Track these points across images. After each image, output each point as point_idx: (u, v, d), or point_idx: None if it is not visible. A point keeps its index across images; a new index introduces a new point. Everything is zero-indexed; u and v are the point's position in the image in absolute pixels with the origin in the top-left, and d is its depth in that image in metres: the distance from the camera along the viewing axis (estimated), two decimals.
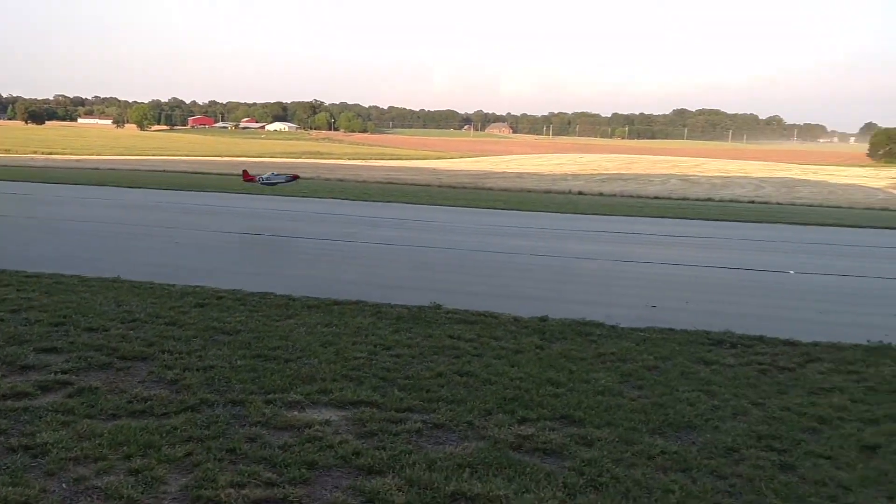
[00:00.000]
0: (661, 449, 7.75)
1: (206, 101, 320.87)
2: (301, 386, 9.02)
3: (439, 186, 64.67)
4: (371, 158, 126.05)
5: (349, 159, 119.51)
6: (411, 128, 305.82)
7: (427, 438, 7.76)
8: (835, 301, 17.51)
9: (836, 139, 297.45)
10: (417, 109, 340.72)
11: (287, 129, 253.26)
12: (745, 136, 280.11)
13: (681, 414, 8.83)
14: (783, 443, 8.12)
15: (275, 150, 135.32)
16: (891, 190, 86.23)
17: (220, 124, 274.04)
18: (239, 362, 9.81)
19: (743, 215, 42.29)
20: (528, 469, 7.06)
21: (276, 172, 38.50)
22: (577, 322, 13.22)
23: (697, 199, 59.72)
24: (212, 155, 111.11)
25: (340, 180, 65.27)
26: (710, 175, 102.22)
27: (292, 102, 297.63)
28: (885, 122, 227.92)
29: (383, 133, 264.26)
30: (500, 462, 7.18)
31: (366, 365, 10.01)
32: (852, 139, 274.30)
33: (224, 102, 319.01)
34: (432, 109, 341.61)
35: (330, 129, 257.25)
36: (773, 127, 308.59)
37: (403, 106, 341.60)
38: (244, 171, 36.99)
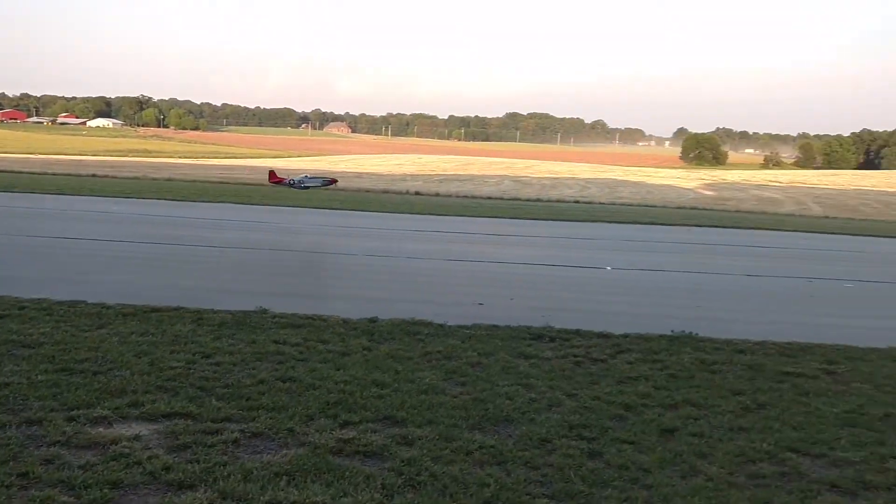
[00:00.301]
0: (480, 444, 7.97)
1: (18, 94, 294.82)
2: (109, 400, 8.46)
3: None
4: (204, 157, 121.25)
5: (180, 157, 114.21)
6: (247, 126, 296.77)
7: (244, 448, 7.52)
8: (646, 295, 18.79)
9: (653, 143, 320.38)
10: (253, 107, 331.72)
11: (112, 126, 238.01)
12: (572, 140, 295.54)
13: (499, 408, 9.12)
14: (592, 431, 8.60)
15: (97, 147, 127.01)
16: (700, 190, 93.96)
17: (35, 119, 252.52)
18: (39, 377, 9.06)
19: (569, 214, 44.51)
20: (346, 473, 7.01)
21: (308, 175, 36.36)
22: (406, 322, 13.33)
23: (528, 200, 62.24)
24: (25, 152, 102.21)
25: (169, 180, 62.12)
26: (540, 176, 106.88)
27: (117, 97, 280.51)
28: (695, 128, 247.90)
29: (217, 131, 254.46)
30: (318, 468, 7.09)
31: (182, 375, 9.56)
32: (667, 143, 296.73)
33: (38, 96, 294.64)
34: (269, 107, 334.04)
35: (159, 127, 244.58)
36: (598, 131, 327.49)
37: (238, 103, 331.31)
38: (271, 172, 34.82)
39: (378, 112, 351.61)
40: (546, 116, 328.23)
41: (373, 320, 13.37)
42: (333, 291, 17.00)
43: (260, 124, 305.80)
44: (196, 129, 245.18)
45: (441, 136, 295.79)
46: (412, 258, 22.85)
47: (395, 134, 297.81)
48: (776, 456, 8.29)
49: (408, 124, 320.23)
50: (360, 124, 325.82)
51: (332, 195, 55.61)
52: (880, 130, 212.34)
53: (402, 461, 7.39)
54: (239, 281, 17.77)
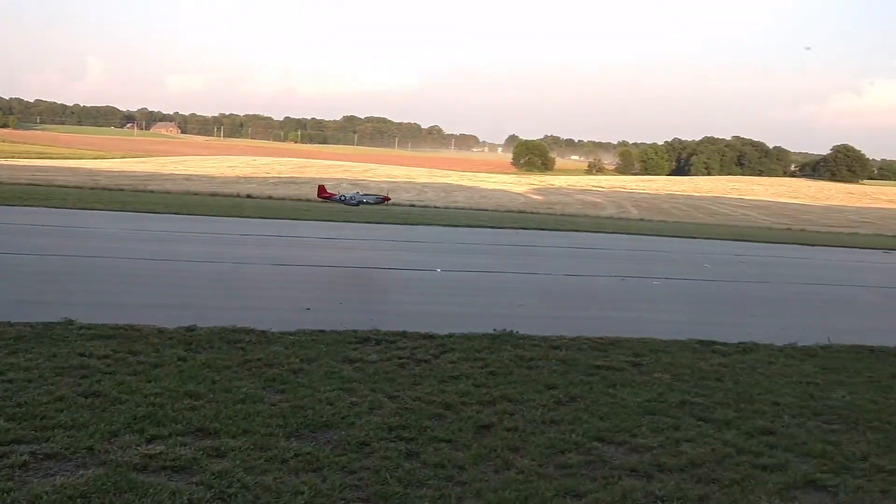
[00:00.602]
0: (296, 451, 7.83)
1: None
2: None
3: (93, 189, 59.13)
4: (13, 157, 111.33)
5: None
6: (64, 124, 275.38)
7: (34, 471, 6.94)
8: (473, 295, 19.29)
9: (486, 149, 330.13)
10: (71, 104, 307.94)
11: None
12: (409, 144, 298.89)
13: (319, 414, 9.01)
14: (411, 431, 8.68)
15: None
16: (530, 194, 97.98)
17: None
18: None
19: (404, 217, 44.91)
20: (150, 490, 6.66)
21: (360, 192, 32.96)
22: (226, 330, 12.83)
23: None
24: None
25: None
26: (378, 180, 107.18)
27: None
28: (525, 135, 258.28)
29: (30, 129, 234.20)
30: (119, 487, 6.67)
31: None
32: (500, 149, 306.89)
33: None
34: (89, 105, 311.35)
35: None
36: (434, 136, 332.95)
37: (53, 100, 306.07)
38: (321, 187, 31.49)
39: (210, 112, 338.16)
40: (384, 121, 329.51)
41: (191, 329, 12.77)
42: (149, 300, 16.09)
43: (80, 123, 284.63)
44: (5, 126, 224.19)
45: (277, 139, 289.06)
46: (239, 263, 22.11)
47: (227, 135, 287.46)
48: (583, 446, 8.75)
49: (241, 125, 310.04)
50: (190, 125, 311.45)
51: (152, 198, 52.83)
52: (689, 139, 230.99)
53: (213, 474, 7.12)
54: (44, 291, 16.41)
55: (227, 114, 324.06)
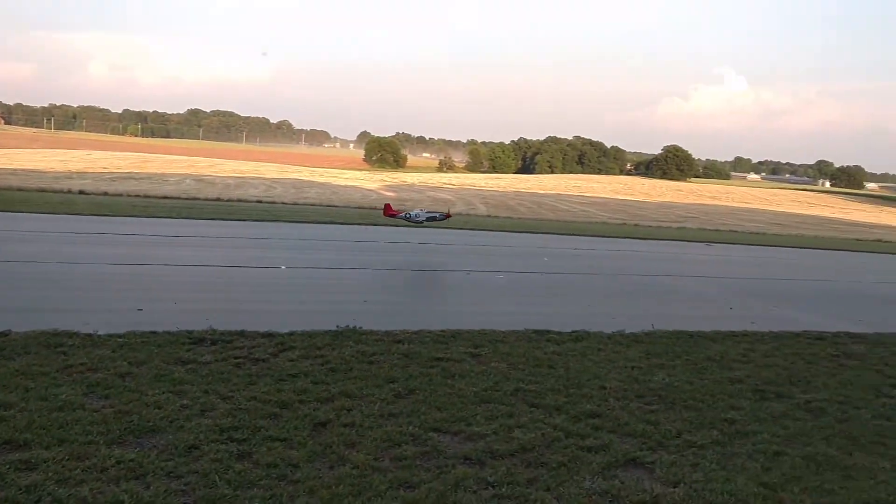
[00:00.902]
0: (118, 459, 7.45)
1: None
2: None
3: None
4: None
5: None
6: None
7: None
8: (318, 292, 19.03)
9: (338, 145, 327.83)
10: None
11: None
12: (258, 139, 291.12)
13: (146, 419, 8.61)
14: (244, 432, 8.48)
15: None
16: (382, 191, 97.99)
17: None
18: None
19: (250, 214, 43.61)
20: None
21: (424, 210, 31.94)
22: (46, 333, 11.96)
23: (210, 200, 59.79)
24: None
25: None
26: (225, 176, 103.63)
27: None
28: (377, 132, 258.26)
29: None
30: None
31: None
32: (351, 145, 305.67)
33: None
34: None
35: None
36: (284, 131, 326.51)
37: None
38: (387, 206, 29.83)
39: (38, 102, 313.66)
40: (230, 115, 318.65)
41: (4, 334, 11.81)
42: None
43: None
44: None
45: (115, 132, 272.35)
46: (66, 263, 20.63)
47: (59, 127, 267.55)
48: (420, 437, 8.88)
49: (75, 117, 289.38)
50: (15, 115, 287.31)
51: None
52: (534, 139, 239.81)
53: (20, 489, 6.65)
54: None
55: (58, 104, 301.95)
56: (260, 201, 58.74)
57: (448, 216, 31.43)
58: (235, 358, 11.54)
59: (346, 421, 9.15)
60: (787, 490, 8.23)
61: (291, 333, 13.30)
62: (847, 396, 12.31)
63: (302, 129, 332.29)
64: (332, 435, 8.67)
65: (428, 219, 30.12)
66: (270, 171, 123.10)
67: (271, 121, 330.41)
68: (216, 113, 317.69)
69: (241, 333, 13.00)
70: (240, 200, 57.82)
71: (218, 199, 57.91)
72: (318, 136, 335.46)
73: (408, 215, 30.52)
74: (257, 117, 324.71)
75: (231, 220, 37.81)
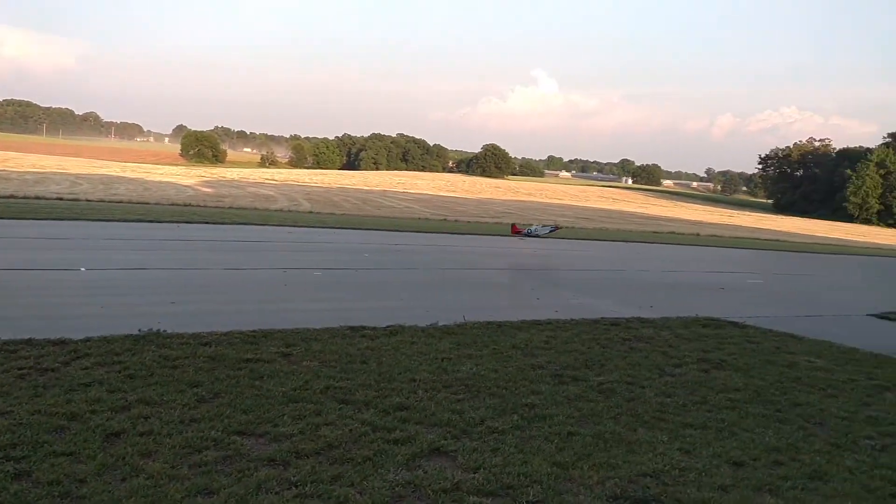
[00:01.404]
0: None
1: None
2: None
3: None
4: None
5: None
6: None
7: None
8: (121, 294, 17.94)
9: (152, 139, 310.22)
10: None
11: None
12: (60, 132, 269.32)
13: None
14: (23, 449, 7.86)
15: None
16: (199, 187, 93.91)
17: None
18: None
19: (50, 212, 40.26)
20: None
21: (538, 225, 35.13)
22: None
23: (3, 197, 54.54)
24: None
25: None
26: (23, 170, 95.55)
27: None
28: (194, 126, 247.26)
29: None
30: None
31: None
32: (167, 139, 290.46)
33: None
34: None
35: None
36: (91, 124, 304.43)
37: None
38: (513, 226, 32.67)
39: None
40: (28, 104, 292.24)
41: None
42: None
43: None
44: None
45: None
46: None
47: None
48: (222, 441, 8.64)
49: None
50: None
51: None
52: (358, 135, 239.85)
53: None
54: None
55: None
56: (61, 198, 54.32)
57: (558, 227, 35.63)
58: (19, 369, 10.62)
59: (142, 430, 8.71)
60: (577, 467, 8.81)
61: (87, 340, 12.44)
62: (635, 377, 13.37)
63: (112, 122, 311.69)
64: (126, 445, 8.23)
65: (550, 231, 34.43)
66: (75, 165, 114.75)
67: (76, 112, 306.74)
68: (10, 102, 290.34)
69: (28, 342, 11.99)
70: (38, 198, 53.15)
71: (12, 197, 52.89)
72: (129, 130, 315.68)
73: (529, 231, 34.21)
74: (59, 108, 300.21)
75: (28, 218, 34.69)
